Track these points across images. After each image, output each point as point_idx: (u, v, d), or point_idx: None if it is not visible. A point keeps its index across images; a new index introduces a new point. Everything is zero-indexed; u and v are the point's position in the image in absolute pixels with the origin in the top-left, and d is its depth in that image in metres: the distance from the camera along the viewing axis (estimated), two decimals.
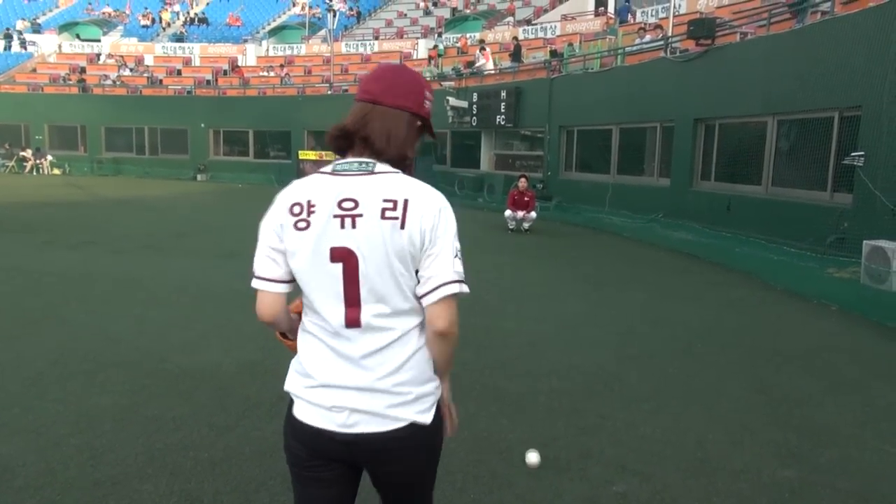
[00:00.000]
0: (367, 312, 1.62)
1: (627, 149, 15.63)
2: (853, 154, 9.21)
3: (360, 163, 1.64)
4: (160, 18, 36.06)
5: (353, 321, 1.62)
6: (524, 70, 20.18)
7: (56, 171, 28.25)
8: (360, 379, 1.64)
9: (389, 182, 1.62)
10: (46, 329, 5.78)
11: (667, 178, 14.04)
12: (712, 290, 8.34)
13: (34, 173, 27.77)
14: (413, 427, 1.67)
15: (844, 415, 4.31)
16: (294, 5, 36.22)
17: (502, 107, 18.98)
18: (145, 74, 30.88)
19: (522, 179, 13.52)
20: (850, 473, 3.49)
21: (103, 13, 36.29)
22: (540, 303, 7.33)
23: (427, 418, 1.70)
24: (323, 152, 24.10)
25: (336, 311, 1.62)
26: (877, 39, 8.88)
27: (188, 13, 36.79)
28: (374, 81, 1.71)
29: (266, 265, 1.67)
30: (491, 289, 7.81)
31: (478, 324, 6.22)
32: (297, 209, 1.62)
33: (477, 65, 21.73)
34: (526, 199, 13.22)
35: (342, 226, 1.59)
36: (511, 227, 13.24)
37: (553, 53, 20.44)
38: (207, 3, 37.69)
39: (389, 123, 1.66)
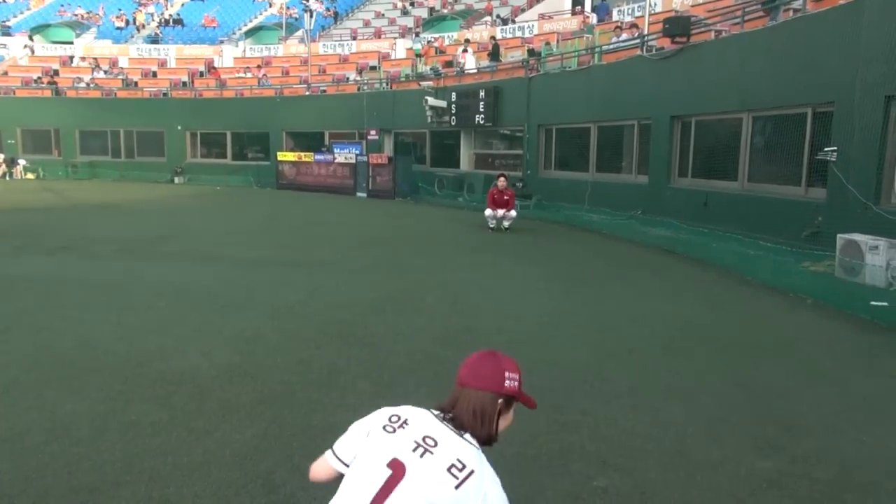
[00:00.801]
0: None
1: (605, 147, 15.72)
2: (826, 149, 9.35)
3: (457, 428, 1.89)
4: (134, 20, 35.61)
5: None
6: (502, 69, 20.22)
7: (30, 176, 27.79)
8: None
9: (469, 450, 1.83)
10: (20, 335, 5.68)
11: (645, 176, 14.15)
12: (690, 285, 8.42)
13: (6, 178, 27.29)
14: None
15: (821, 406, 4.37)
16: (270, 6, 35.97)
17: (481, 106, 19.01)
18: (120, 76, 30.47)
19: (501, 178, 13.54)
20: (827, 463, 3.54)
21: (76, 14, 35.76)
22: (520, 301, 7.35)
23: None
24: (301, 153, 24.01)
25: (361, 501, 1.76)
26: (847, 36, 9.01)
27: (163, 14, 36.39)
28: (464, 368, 2.01)
29: (345, 449, 1.93)
30: (471, 287, 7.82)
31: (458, 323, 6.22)
32: (394, 420, 1.90)
33: (460, 62, 21.77)
34: (505, 197, 13.25)
35: (413, 450, 1.80)
36: (491, 225, 13.25)
37: (531, 52, 20.50)
38: (182, 5, 37.30)
39: (474, 403, 1.92)
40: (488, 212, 13.25)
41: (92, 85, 29.60)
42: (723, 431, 3.92)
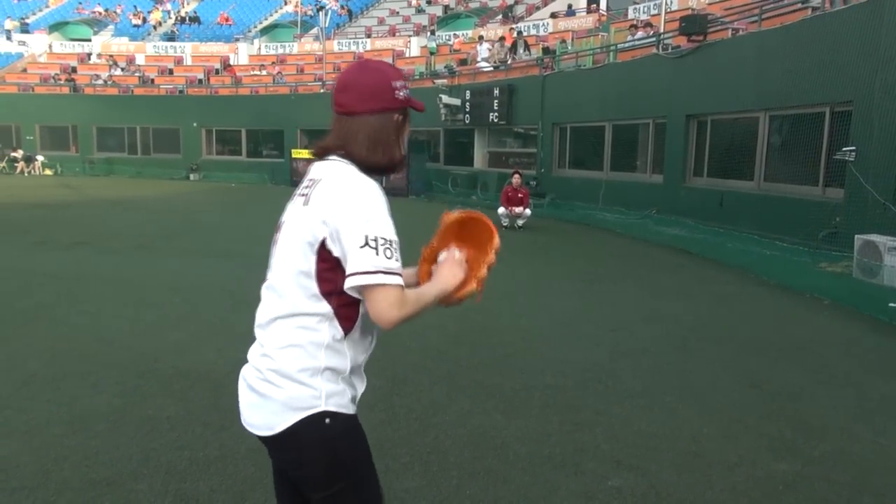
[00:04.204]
0: (271, 278, 1.72)
1: (620, 145, 15.65)
2: (844, 149, 9.25)
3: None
4: (151, 17, 35.88)
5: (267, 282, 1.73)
6: (517, 67, 20.18)
7: (48, 172, 28.10)
8: (258, 343, 1.72)
9: (323, 165, 1.68)
10: (38, 330, 5.75)
11: (660, 175, 14.07)
12: (705, 285, 8.36)
13: (25, 174, 27.61)
14: (279, 430, 1.62)
15: (837, 408, 4.33)
16: (286, 3, 36.10)
17: (495, 104, 18.98)
18: (137, 74, 30.74)
19: (516, 175, 13.52)
20: (844, 466, 3.50)
21: (94, 12, 36.08)
22: (534, 299, 7.33)
23: (278, 422, 1.61)
24: None
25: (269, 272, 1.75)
26: (867, 35, 8.91)
27: (179, 12, 36.63)
28: (343, 92, 1.69)
29: None
30: (485, 286, 7.79)
31: (472, 321, 6.22)
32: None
33: (480, 57, 21.81)
34: (520, 195, 13.23)
35: (293, 203, 1.70)
36: (505, 224, 13.23)
37: (545, 51, 20.44)
38: (199, 2, 37.53)
39: (369, 132, 1.66)
40: (502, 210, 13.23)
41: (109, 82, 29.89)
42: (738, 432, 3.90)
